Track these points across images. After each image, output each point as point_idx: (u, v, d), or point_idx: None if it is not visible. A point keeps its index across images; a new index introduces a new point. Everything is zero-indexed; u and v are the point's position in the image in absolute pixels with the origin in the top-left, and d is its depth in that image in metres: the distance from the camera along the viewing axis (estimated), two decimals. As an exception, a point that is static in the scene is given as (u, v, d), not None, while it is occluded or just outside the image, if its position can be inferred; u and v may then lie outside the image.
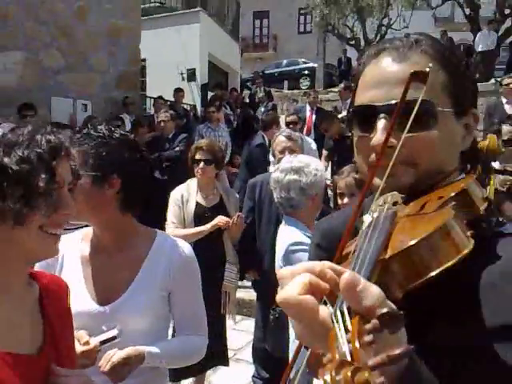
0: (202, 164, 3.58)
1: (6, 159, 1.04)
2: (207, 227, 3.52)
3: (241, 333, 4.84)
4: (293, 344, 2.34)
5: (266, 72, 22.66)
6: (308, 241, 2.25)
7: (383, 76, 0.90)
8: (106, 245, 1.72)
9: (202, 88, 14.71)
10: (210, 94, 12.21)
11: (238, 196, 3.94)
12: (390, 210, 0.79)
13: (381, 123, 0.86)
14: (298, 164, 2.50)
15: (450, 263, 0.65)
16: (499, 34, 15.74)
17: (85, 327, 1.59)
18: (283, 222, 2.63)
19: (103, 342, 1.56)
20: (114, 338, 1.58)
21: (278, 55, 29.23)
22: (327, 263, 0.64)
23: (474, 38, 15.94)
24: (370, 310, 0.56)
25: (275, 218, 3.44)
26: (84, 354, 1.50)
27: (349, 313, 0.56)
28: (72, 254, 1.73)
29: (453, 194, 0.76)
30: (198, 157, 3.62)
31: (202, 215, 3.59)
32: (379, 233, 0.71)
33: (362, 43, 20.06)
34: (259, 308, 3.86)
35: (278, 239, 2.47)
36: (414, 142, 0.85)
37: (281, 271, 0.65)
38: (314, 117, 9.09)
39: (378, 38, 20.13)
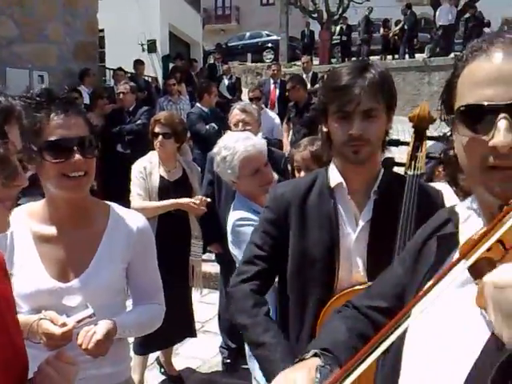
0: (160, 137, 3.53)
1: None
2: (178, 202, 3.50)
3: (208, 305, 4.88)
4: None
5: (230, 44, 22.43)
6: (254, 216, 2.27)
7: (499, 74, 0.85)
8: (61, 220, 1.68)
9: (163, 59, 14.44)
10: (171, 66, 12.00)
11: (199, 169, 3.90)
12: None
13: (503, 123, 0.82)
14: (225, 143, 2.43)
15: None
16: (458, 8, 15.93)
17: (46, 305, 1.57)
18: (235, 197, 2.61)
19: (79, 322, 1.54)
20: (90, 316, 1.56)
21: (242, 27, 28.93)
22: None
23: (435, 12, 16.10)
24: None
25: (232, 191, 3.45)
26: (63, 336, 1.48)
27: None
28: (21, 232, 1.66)
29: None
30: (156, 130, 3.56)
31: (165, 189, 3.55)
32: None
33: (325, 16, 19.98)
34: (223, 280, 3.88)
35: (229, 215, 2.47)
36: None
37: (500, 278, 0.67)
38: (277, 90, 9.06)
39: (340, 11, 20.09)
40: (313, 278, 1.67)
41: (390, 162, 1.75)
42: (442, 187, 2.17)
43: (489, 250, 0.77)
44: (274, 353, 1.54)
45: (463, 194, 2.20)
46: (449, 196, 2.18)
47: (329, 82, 1.66)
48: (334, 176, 1.71)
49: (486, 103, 0.84)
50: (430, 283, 0.82)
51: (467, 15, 16.06)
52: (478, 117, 0.85)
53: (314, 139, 2.81)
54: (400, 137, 1.82)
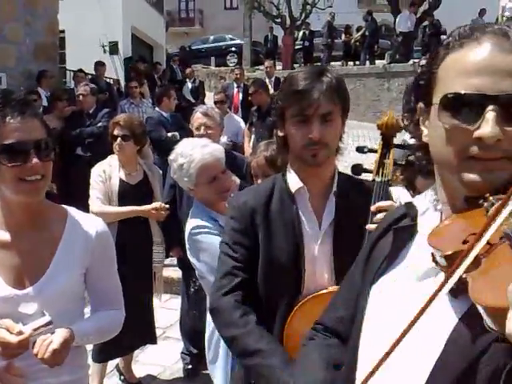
0: (119, 140, 3.50)
1: None
2: (137, 209, 3.46)
3: (169, 311, 4.82)
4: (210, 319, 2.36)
5: (193, 47, 22.35)
6: (210, 223, 2.27)
7: (490, 65, 0.83)
8: (16, 225, 1.63)
9: (125, 62, 14.28)
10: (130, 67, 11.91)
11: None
12: None
13: (491, 115, 0.81)
14: (181, 150, 2.42)
15: None
16: (417, 16, 16.32)
17: (1, 314, 1.52)
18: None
19: (36, 330, 1.51)
20: (47, 324, 1.53)
21: (205, 31, 28.88)
22: None
23: (395, 19, 16.44)
24: None
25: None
26: (19, 345, 1.44)
27: None
28: None
29: None
30: (115, 132, 3.53)
31: (126, 192, 3.50)
32: None
33: (288, 21, 20.15)
34: (184, 285, 3.86)
35: (187, 222, 2.45)
36: None
37: None
38: (240, 94, 9.07)
39: (302, 16, 20.30)
40: (280, 283, 1.68)
41: (358, 169, 1.79)
42: (400, 191, 2.22)
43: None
44: (271, 359, 1.54)
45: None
46: (407, 199, 2.23)
47: (286, 86, 1.67)
48: (293, 181, 1.72)
49: (475, 93, 0.83)
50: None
51: (425, 23, 16.46)
52: (465, 106, 0.84)
53: (269, 144, 2.75)
54: (360, 142, 1.85)
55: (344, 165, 2.02)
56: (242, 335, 1.61)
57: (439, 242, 0.84)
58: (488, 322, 0.71)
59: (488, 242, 0.76)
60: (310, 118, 1.60)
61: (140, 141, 3.59)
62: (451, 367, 0.79)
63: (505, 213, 0.75)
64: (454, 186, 0.88)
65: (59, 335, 1.53)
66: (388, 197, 1.65)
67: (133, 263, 3.27)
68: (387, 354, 0.81)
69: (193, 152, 2.37)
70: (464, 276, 0.75)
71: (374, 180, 1.67)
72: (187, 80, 12.44)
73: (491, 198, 0.80)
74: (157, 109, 6.53)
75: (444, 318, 0.82)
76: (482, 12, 15.97)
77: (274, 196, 1.74)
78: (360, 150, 1.78)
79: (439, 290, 0.76)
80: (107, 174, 3.49)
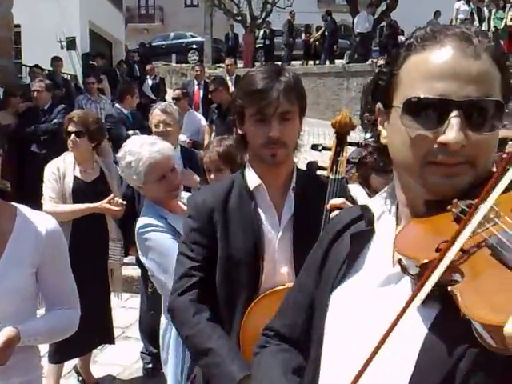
0: (72, 136, 3.43)
1: None
2: (92, 206, 3.38)
3: (129, 310, 4.76)
4: (164, 317, 2.34)
5: (153, 44, 22.10)
6: (158, 221, 2.25)
7: (456, 70, 0.82)
8: None
9: (83, 57, 13.99)
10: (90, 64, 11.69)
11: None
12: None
13: (456, 120, 0.80)
14: (130, 148, 2.37)
15: None
16: (375, 17, 16.60)
17: None
18: None
19: None
20: None
21: (166, 27, 28.59)
22: None
23: (354, 19, 16.67)
24: None
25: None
26: None
27: None
28: None
29: None
30: (69, 129, 3.46)
31: (80, 190, 3.44)
32: None
33: (249, 20, 20.16)
34: (144, 284, 3.82)
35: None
36: (481, 142, 0.82)
37: None
38: (201, 92, 9.03)
39: (263, 15, 20.34)
40: (239, 280, 1.68)
41: (313, 166, 1.81)
42: (356, 189, 2.26)
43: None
44: (221, 358, 1.54)
45: (375, 194, 2.30)
46: (363, 199, 2.27)
47: (245, 85, 1.68)
48: (252, 178, 1.73)
49: (440, 98, 0.81)
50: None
51: (383, 24, 16.77)
52: (428, 111, 0.82)
53: (222, 140, 2.84)
54: (321, 139, 1.88)
55: (304, 162, 2.05)
56: (194, 335, 1.63)
57: (411, 250, 0.81)
58: (486, 338, 0.67)
59: (462, 250, 0.74)
60: (269, 118, 1.61)
61: (95, 137, 3.53)
62: (428, 379, 0.77)
63: (477, 219, 0.74)
64: (416, 189, 0.87)
65: (3, 334, 1.50)
66: (342, 194, 1.67)
67: (89, 262, 3.21)
68: (360, 372, 0.78)
69: (141, 150, 2.33)
70: (449, 289, 0.72)
71: (328, 177, 1.70)
72: (147, 77, 12.29)
73: (459, 203, 0.80)
74: (117, 105, 6.41)
75: (413, 328, 0.80)
76: (437, 14, 16.36)
77: (233, 193, 1.74)
78: (315, 147, 1.80)
79: (412, 299, 0.74)
80: (61, 171, 3.42)
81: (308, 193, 1.72)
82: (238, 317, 1.68)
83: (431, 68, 0.83)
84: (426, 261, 0.76)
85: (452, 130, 0.79)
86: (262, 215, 1.71)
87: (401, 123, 0.85)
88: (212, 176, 2.78)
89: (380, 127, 0.95)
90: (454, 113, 0.80)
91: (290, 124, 1.65)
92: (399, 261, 0.82)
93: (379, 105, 0.94)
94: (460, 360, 0.74)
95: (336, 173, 1.70)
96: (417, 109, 0.83)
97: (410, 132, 0.84)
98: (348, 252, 0.99)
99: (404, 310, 0.74)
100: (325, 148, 1.80)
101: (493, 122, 0.82)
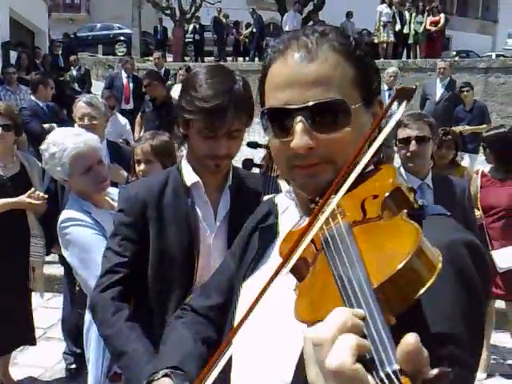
0: (0, 130, 3.26)
1: None
2: (11, 201, 3.23)
3: (51, 310, 4.60)
4: (88, 316, 2.29)
5: (79, 35, 21.36)
6: (82, 216, 2.19)
7: (294, 77, 0.86)
8: None
9: (2, 47, 13.29)
10: (12, 54, 11.12)
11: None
12: (344, 223, 0.72)
13: (299, 126, 0.84)
14: (53, 139, 2.31)
15: (431, 280, 0.61)
16: (303, 16, 16.90)
17: None
18: None
19: None
20: None
21: (92, 18, 27.65)
22: (350, 312, 0.56)
23: (282, 17, 16.90)
24: (423, 370, 0.52)
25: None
26: None
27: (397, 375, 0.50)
28: None
29: (388, 194, 0.76)
30: None
31: (0, 186, 3.28)
32: (352, 254, 0.64)
33: (178, 14, 19.92)
34: (67, 283, 3.72)
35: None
36: (332, 141, 0.86)
37: (317, 336, 0.56)
38: (131, 85, 8.85)
39: (192, 10, 20.17)
40: (172, 276, 1.67)
41: (249, 164, 1.83)
42: (283, 184, 2.31)
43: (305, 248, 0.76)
44: (135, 360, 1.51)
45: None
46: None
47: (193, 94, 1.57)
48: (189, 174, 1.71)
49: (282, 106, 0.86)
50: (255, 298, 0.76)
51: (311, 23, 17.12)
52: (280, 120, 0.88)
53: (156, 133, 2.85)
54: (256, 137, 1.90)
55: (240, 158, 2.05)
56: (111, 336, 1.60)
57: (284, 248, 0.83)
58: None
59: (316, 248, 0.75)
60: (217, 135, 1.57)
61: (20, 130, 3.41)
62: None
63: (324, 216, 0.74)
64: (296, 190, 0.95)
65: None
66: (277, 190, 1.70)
67: (9, 259, 3.08)
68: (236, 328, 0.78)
69: (65, 140, 2.25)
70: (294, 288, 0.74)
71: (264, 174, 1.73)
72: (72, 68, 11.86)
73: (320, 200, 0.82)
74: (32, 97, 6.10)
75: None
76: (349, 15, 16.88)
77: (168, 188, 1.71)
78: (250, 145, 1.83)
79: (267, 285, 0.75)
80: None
81: (243, 190, 1.74)
82: (171, 312, 1.65)
83: (276, 79, 0.90)
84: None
85: (296, 136, 0.84)
86: (198, 212, 1.70)
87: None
88: (141, 167, 2.75)
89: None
90: (297, 119, 0.85)
91: (238, 140, 1.63)
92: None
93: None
94: None
95: (271, 170, 1.74)
96: (272, 118, 0.89)
97: (271, 140, 0.92)
98: (257, 246, 1.05)
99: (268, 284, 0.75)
100: (260, 145, 1.83)
101: (340, 120, 0.86)
